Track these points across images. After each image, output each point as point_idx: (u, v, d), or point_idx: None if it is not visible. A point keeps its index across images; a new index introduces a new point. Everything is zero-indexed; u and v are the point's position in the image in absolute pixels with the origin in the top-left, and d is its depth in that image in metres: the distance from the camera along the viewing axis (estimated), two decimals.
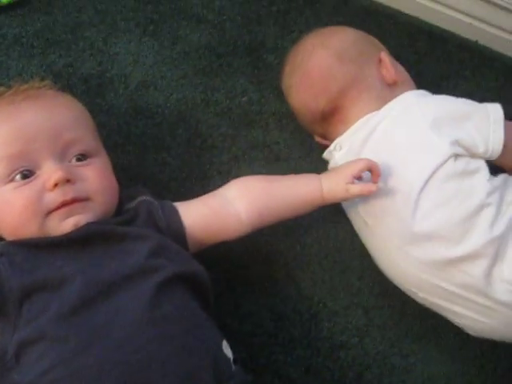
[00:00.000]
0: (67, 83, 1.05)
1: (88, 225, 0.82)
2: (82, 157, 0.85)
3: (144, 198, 0.90)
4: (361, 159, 0.92)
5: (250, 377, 0.82)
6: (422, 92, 1.01)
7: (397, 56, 1.18)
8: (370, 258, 0.99)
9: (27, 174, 0.82)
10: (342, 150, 0.98)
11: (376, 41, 1.07)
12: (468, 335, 0.95)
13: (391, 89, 1.00)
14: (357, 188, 0.90)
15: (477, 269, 0.87)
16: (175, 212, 0.90)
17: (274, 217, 0.92)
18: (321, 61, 1.01)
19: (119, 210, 0.89)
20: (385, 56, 1.02)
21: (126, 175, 0.91)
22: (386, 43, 1.19)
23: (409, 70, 1.18)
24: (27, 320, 0.76)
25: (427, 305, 0.95)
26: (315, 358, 0.95)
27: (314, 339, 0.97)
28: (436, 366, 0.98)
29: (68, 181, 0.81)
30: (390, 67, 1.01)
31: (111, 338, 0.74)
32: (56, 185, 0.81)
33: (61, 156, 0.83)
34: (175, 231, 0.88)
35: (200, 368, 0.76)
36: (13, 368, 0.76)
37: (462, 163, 0.90)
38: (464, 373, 0.98)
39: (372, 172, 0.91)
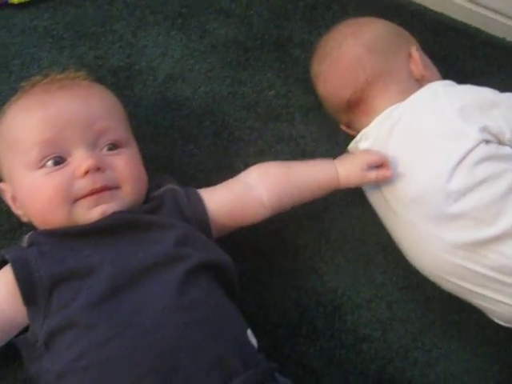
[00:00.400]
0: (97, 75, 1.06)
1: (115, 213, 0.83)
2: (112, 146, 0.86)
3: (169, 186, 0.91)
4: (376, 152, 0.95)
5: (275, 365, 0.83)
6: (447, 82, 1.01)
7: (424, 52, 1.19)
8: (394, 252, 1.00)
9: (59, 161, 0.83)
10: (368, 141, 0.98)
11: (408, 34, 1.07)
12: (491, 331, 0.95)
13: (419, 83, 1.00)
14: (373, 174, 0.93)
15: (510, 249, 0.87)
16: (200, 199, 0.91)
17: (292, 200, 0.94)
18: (350, 50, 1.01)
19: (146, 197, 0.90)
20: (415, 51, 1.02)
21: (153, 166, 0.92)
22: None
23: (436, 66, 1.19)
24: (57, 308, 0.77)
25: (457, 292, 0.94)
26: (338, 349, 0.96)
27: (337, 331, 0.97)
28: (458, 361, 0.98)
29: (98, 169, 0.83)
30: (419, 63, 1.01)
31: (140, 325, 0.76)
32: (86, 172, 0.82)
33: (92, 144, 0.85)
34: (200, 218, 0.89)
35: (228, 354, 0.77)
36: (43, 356, 0.78)
37: (492, 148, 0.90)
38: (486, 369, 0.98)
39: (382, 167, 0.94)
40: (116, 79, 1.07)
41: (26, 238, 0.83)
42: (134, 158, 0.89)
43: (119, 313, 0.76)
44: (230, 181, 0.95)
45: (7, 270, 0.79)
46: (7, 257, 0.80)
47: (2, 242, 0.95)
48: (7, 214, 0.95)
